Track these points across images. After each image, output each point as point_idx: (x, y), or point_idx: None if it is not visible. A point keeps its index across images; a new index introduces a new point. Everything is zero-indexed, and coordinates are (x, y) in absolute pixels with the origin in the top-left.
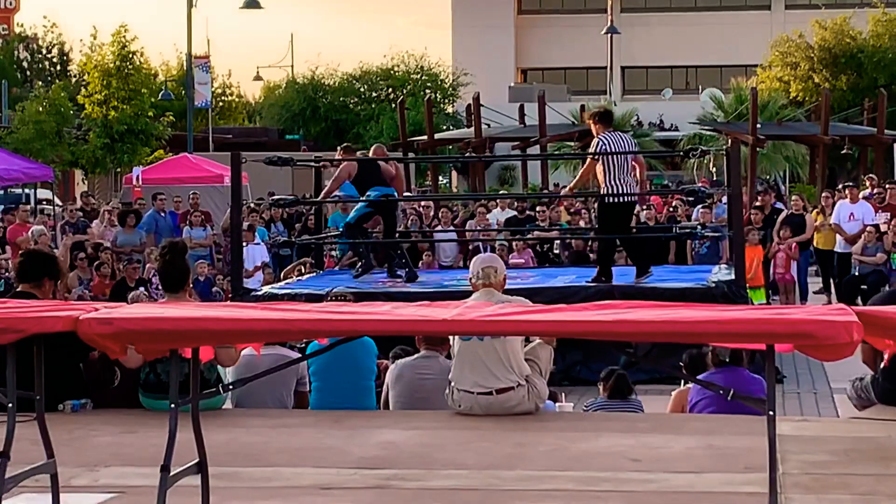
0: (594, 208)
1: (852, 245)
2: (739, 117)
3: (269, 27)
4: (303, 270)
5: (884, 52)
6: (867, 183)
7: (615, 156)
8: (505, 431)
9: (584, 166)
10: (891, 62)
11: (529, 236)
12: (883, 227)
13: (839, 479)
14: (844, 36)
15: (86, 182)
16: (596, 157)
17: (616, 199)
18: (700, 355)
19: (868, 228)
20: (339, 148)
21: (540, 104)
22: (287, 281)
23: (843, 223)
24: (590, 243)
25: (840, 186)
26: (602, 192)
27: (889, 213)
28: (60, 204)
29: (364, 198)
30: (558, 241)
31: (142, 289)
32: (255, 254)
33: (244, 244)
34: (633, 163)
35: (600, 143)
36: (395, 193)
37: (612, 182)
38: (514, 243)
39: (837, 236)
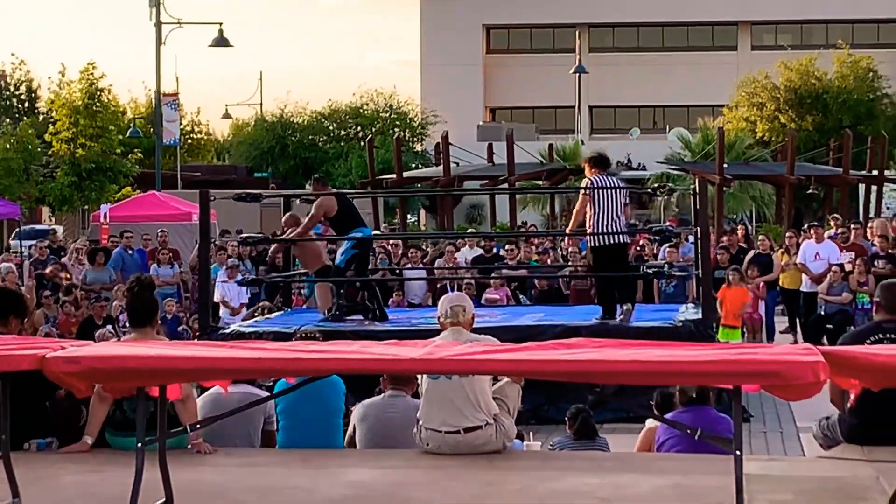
0: (561, 247)
1: (818, 284)
2: (706, 157)
3: (239, 65)
4: (262, 314)
5: (849, 93)
6: (832, 223)
7: (605, 198)
8: (473, 470)
9: (578, 205)
10: (856, 103)
11: (496, 275)
12: (848, 267)
13: None
14: (810, 77)
15: (53, 219)
16: (586, 191)
17: (603, 241)
18: (669, 394)
19: (833, 268)
20: (311, 181)
21: (508, 143)
22: (255, 319)
23: (809, 262)
24: (559, 282)
25: (806, 226)
26: (590, 233)
27: (854, 253)
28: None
29: (350, 237)
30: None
31: (108, 326)
32: (239, 292)
33: (226, 281)
34: (613, 207)
35: (590, 183)
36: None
37: (601, 223)
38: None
39: (803, 276)
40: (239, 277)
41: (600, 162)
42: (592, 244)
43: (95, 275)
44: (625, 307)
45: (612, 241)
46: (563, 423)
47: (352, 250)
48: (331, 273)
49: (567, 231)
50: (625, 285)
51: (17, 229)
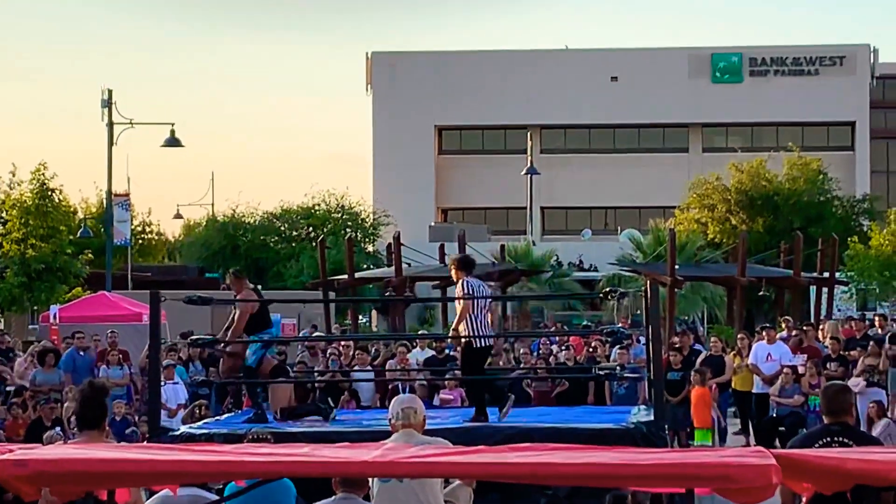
0: (514, 349)
1: (770, 386)
2: (658, 258)
3: (190, 165)
4: (199, 413)
5: (799, 195)
6: (783, 325)
7: (477, 302)
8: None
9: (461, 309)
10: (806, 205)
11: (450, 376)
12: (801, 370)
13: None
14: (761, 179)
15: (2, 320)
16: (465, 296)
17: (481, 343)
18: (621, 497)
19: (785, 370)
20: (230, 273)
21: (460, 243)
22: (205, 421)
23: (761, 364)
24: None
25: (758, 328)
26: (466, 335)
27: (807, 356)
28: None
29: (259, 338)
30: None
31: (57, 429)
32: (175, 393)
33: (163, 383)
34: (486, 311)
35: (467, 285)
36: None
37: (476, 326)
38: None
39: (755, 377)
40: (176, 379)
41: (466, 263)
42: (468, 345)
43: (45, 376)
44: (505, 407)
45: (482, 344)
46: None
47: (260, 350)
48: (243, 374)
49: (451, 333)
50: (494, 386)
51: None
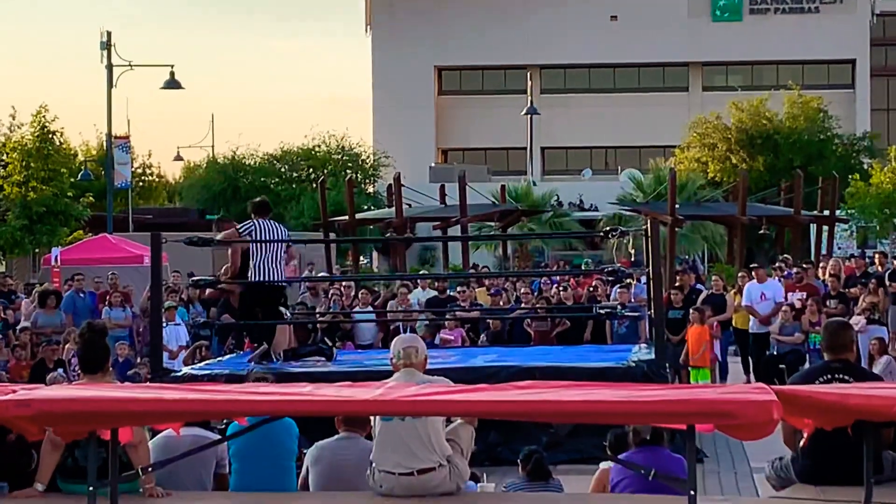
0: (515, 288)
1: (766, 325)
2: (658, 197)
3: (190, 107)
4: (200, 354)
5: (799, 134)
6: (782, 264)
7: (262, 244)
8: None
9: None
10: (806, 143)
11: (450, 317)
12: (799, 306)
13: None
14: (761, 117)
15: (3, 263)
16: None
17: (258, 284)
18: (623, 434)
19: (784, 308)
20: (214, 224)
21: (460, 184)
22: (206, 362)
23: (755, 303)
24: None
25: (749, 267)
26: (248, 276)
27: (806, 293)
28: None
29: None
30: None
31: (60, 370)
32: (176, 334)
33: (165, 324)
34: (285, 254)
35: (246, 227)
36: None
37: (259, 267)
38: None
39: (751, 317)
40: (177, 320)
41: (258, 207)
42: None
43: (46, 318)
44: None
45: (265, 286)
46: (517, 464)
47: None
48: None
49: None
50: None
51: None
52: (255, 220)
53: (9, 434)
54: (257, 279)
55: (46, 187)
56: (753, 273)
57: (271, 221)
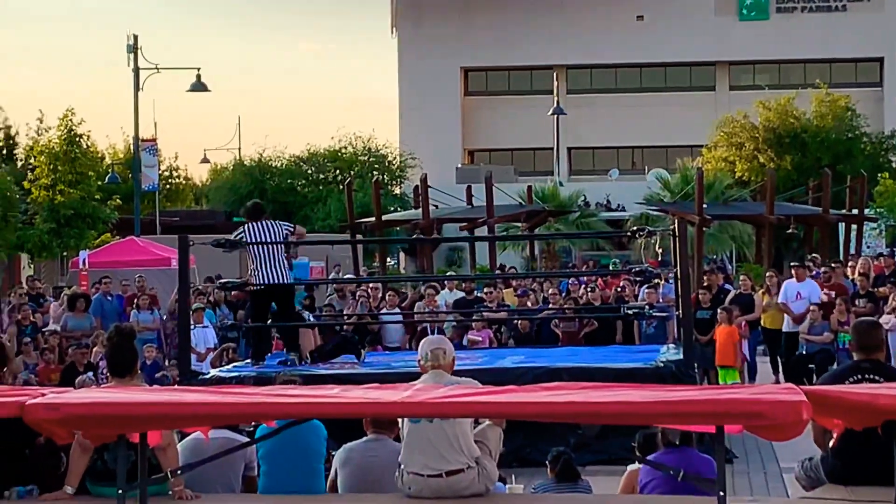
0: (542, 289)
1: (799, 324)
2: (685, 197)
3: (217, 109)
4: (228, 356)
5: (827, 132)
6: (811, 263)
7: (260, 247)
8: None
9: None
10: (834, 142)
11: (477, 318)
12: (826, 301)
13: None
14: (788, 116)
15: (32, 266)
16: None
17: (261, 287)
18: (651, 435)
19: (812, 307)
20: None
21: (487, 185)
22: (235, 364)
23: (791, 302)
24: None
25: (790, 265)
26: (251, 281)
27: (835, 293)
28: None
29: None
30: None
31: (89, 374)
32: (204, 336)
33: (192, 326)
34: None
35: (237, 235)
36: None
37: (259, 271)
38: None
39: (784, 315)
40: (205, 322)
41: (250, 210)
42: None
43: (76, 321)
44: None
45: (265, 289)
46: (545, 465)
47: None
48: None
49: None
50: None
51: None
52: (245, 226)
53: (38, 437)
54: (259, 282)
55: (74, 191)
56: (793, 271)
57: (265, 222)
